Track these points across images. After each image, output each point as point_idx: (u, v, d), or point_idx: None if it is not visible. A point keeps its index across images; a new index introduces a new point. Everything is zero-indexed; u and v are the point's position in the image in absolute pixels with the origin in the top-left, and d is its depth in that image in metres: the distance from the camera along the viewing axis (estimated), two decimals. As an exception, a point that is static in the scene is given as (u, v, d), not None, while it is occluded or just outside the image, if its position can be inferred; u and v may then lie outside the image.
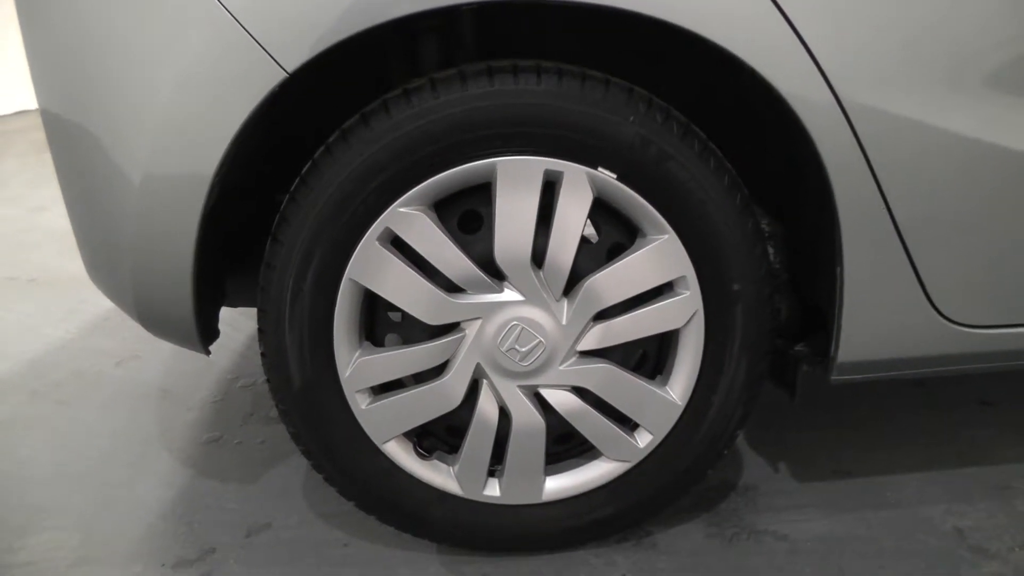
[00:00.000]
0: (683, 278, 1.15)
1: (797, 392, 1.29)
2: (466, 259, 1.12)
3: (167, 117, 1.06)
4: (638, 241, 1.16)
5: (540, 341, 1.16)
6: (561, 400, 1.21)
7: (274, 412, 1.79)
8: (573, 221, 1.11)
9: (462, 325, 1.17)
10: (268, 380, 1.21)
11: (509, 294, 1.15)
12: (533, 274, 1.14)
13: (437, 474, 1.26)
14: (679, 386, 1.22)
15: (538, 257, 1.14)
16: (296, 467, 1.61)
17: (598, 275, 1.14)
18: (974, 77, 1.07)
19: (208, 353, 1.31)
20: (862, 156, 1.08)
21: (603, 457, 1.26)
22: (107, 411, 1.88)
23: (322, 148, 1.11)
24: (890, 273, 1.15)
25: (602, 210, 1.15)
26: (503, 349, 1.16)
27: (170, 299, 1.18)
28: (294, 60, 1.02)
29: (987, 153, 1.10)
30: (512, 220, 1.10)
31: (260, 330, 1.18)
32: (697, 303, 1.16)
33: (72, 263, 2.68)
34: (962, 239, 1.14)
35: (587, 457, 1.29)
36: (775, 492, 1.47)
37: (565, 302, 1.16)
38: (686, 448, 1.25)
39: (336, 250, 1.11)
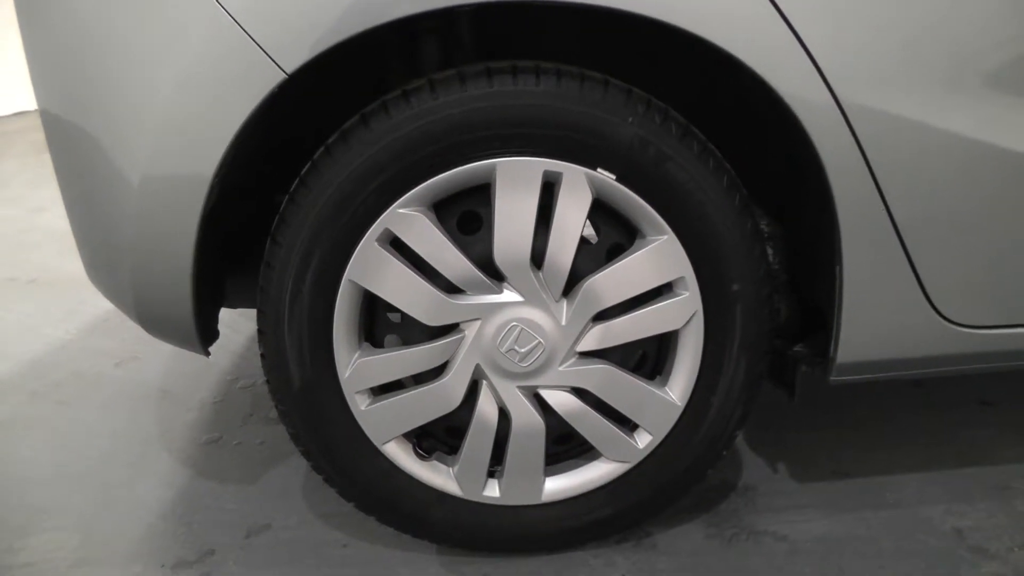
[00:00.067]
0: (682, 279, 1.15)
1: (796, 392, 1.29)
2: (465, 260, 1.12)
3: (166, 118, 1.06)
4: (637, 242, 1.16)
5: (539, 342, 1.16)
6: (560, 401, 1.21)
7: (274, 413, 1.79)
8: (572, 222, 1.11)
9: (461, 326, 1.17)
10: (267, 381, 1.21)
11: (508, 295, 1.15)
12: (532, 275, 1.14)
13: (437, 475, 1.26)
14: (678, 387, 1.22)
15: (537, 258, 1.14)
16: (296, 468, 1.61)
17: (597, 276, 1.14)
18: (973, 77, 1.07)
19: (208, 354, 1.31)
20: (861, 157, 1.08)
21: (602, 458, 1.26)
22: (107, 412, 1.88)
23: (321, 149, 1.11)
24: (889, 273, 1.15)
25: (601, 211, 1.15)
26: (502, 350, 1.16)
27: (169, 300, 1.18)
28: (293, 61, 1.02)
29: (986, 153, 1.10)
30: (511, 221, 1.10)
31: (259, 331, 1.18)
32: (696, 304, 1.16)
33: (72, 264, 2.68)
34: (961, 239, 1.14)
35: (586, 458, 1.29)
36: (774, 492, 1.47)
37: (564, 303, 1.16)
38: (685, 449, 1.25)
39: (335, 251, 1.11)
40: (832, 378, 1.24)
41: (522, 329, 1.16)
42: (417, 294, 1.14)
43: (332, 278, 1.13)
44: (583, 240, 1.14)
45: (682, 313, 1.17)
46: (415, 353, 1.18)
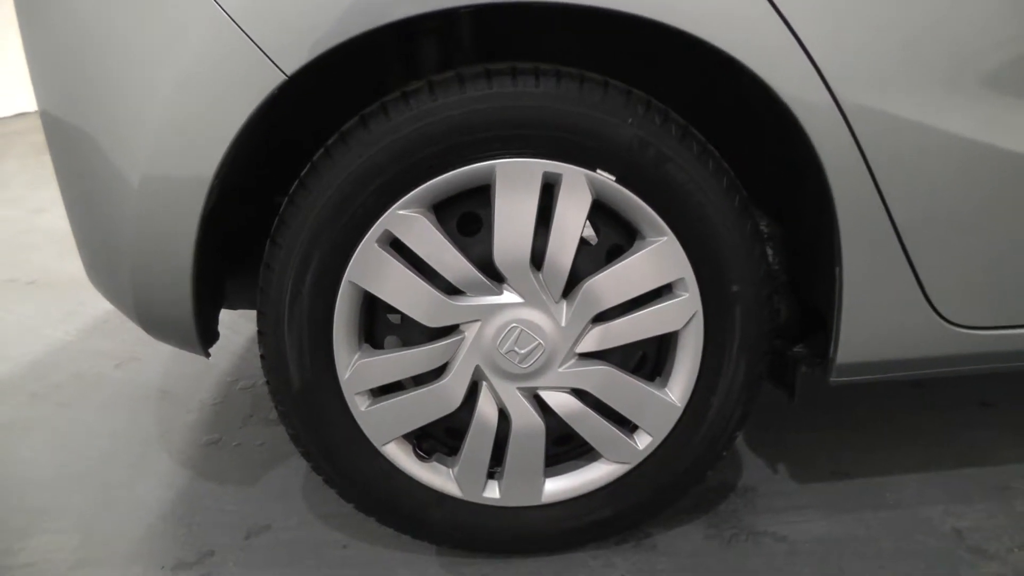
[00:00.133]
0: (682, 280, 1.15)
1: (796, 393, 1.29)
2: (465, 261, 1.12)
3: (166, 119, 1.06)
4: (637, 243, 1.16)
5: (539, 343, 1.16)
6: (560, 402, 1.21)
7: (273, 414, 1.79)
8: (572, 223, 1.11)
9: (461, 327, 1.17)
10: (267, 382, 1.21)
11: (508, 296, 1.15)
12: (532, 276, 1.14)
13: (436, 476, 1.26)
14: (678, 388, 1.22)
15: (537, 259, 1.14)
16: (295, 469, 1.61)
17: (597, 277, 1.14)
18: (973, 78, 1.07)
19: (208, 355, 1.31)
20: (861, 157, 1.08)
21: (602, 459, 1.27)
22: (107, 413, 1.88)
23: (321, 150, 1.11)
24: (889, 274, 1.15)
25: (601, 212, 1.15)
26: (502, 351, 1.16)
27: (170, 301, 1.18)
28: (293, 63, 1.02)
29: (986, 154, 1.10)
30: (511, 222, 1.10)
31: (259, 332, 1.18)
32: (696, 305, 1.16)
33: (72, 265, 2.68)
34: (961, 240, 1.14)
35: (586, 459, 1.29)
36: (774, 493, 1.47)
37: (564, 304, 1.16)
38: (685, 449, 1.25)
39: (335, 252, 1.11)
40: (832, 379, 1.24)
41: (522, 330, 1.16)
42: (417, 295, 1.14)
43: (332, 279, 1.13)
44: (583, 241, 1.14)
45: (682, 314, 1.17)
46: (415, 354, 1.18)
